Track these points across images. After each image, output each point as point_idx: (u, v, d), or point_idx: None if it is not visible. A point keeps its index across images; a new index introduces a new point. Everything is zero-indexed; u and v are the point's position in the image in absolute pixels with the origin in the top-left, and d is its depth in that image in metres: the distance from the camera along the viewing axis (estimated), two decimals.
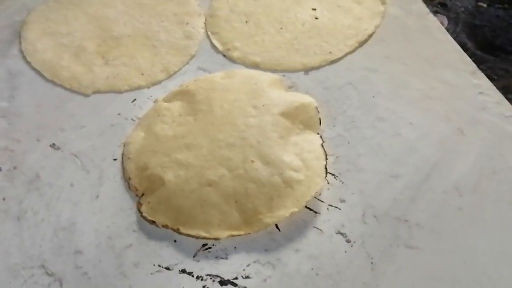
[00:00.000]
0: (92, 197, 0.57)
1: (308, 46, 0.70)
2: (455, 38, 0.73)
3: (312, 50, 0.69)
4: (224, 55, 0.71)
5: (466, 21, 0.80)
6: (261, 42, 0.71)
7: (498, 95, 0.63)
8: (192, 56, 0.71)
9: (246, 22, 0.74)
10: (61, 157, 0.61)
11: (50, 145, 0.62)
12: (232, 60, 0.70)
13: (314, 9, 0.75)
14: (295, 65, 0.68)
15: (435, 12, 0.79)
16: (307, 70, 0.68)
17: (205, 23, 0.75)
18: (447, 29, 0.76)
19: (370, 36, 0.71)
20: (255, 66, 0.69)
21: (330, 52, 0.69)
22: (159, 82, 0.68)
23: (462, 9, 0.82)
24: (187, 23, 0.75)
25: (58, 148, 0.62)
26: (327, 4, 0.75)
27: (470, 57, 0.69)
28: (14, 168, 0.60)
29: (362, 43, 0.70)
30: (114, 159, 0.60)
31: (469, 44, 0.76)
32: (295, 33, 0.72)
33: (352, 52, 0.70)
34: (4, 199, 0.57)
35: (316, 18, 0.73)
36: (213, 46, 0.72)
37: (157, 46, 0.72)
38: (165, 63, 0.70)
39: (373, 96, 0.65)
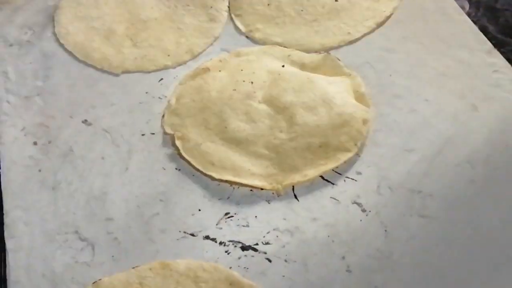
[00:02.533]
0: (122, 169, 0.61)
1: (327, 27, 0.72)
2: (476, 22, 0.74)
3: (331, 31, 0.72)
4: (247, 36, 0.74)
5: (488, 5, 0.80)
6: (282, 24, 0.74)
7: None
8: (216, 38, 0.74)
9: (268, 5, 0.76)
10: (92, 133, 0.65)
11: (83, 121, 0.66)
12: (254, 41, 0.73)
13: None
14: (314, 46, 0.70)
15: None
16: (326, 50, 0.70)
17: (228, 6, 0.78)
18: (469, 13, 0.77)
19: (388, 17, 0.73)
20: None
21: (349, 33, 0.71)
22: (185, 62, 0.71)
23: None
24: (211, 7, 0.77)
25: (90, 124, 0.65)
26: None
27: (491, 40, 0.70)
28: (49, 142, 0.64)
29: (380, 24, 0.72)
30: (142, 135, 0.64)
31: (490, 28, 0.77)
32: (315, 15, 0.74)
33: (370, 33, 0.72)
34: (40, 171, 0.61)
35: (336, 1, 0.75)
36: (236, 28, 0.75)
37: (182, 29, 0.75)
38: (190, 44, 0.73)
39: (390, 75, 0.67)
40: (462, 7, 0.77)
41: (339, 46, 0.70)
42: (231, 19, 0.76)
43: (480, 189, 0.55)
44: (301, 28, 0.73)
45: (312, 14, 0.74)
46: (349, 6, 0.74)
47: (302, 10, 0.75)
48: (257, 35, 0.73)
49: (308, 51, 0.70)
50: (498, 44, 0.70)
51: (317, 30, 0.72)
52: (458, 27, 0.71)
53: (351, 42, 0.71)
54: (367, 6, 0.74)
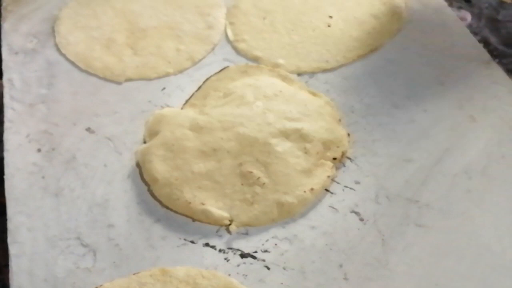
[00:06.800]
0: (124, 177, 0.62)
1: (309, 51, 0.73)
2: (478, 33, 0.75)
3: (311, 56, 0.72)
4: (232, 46, 0.75)
5: (489, 17, 0.81)
6: (268, 39, 0.75)
7: (510, 84, 0.66)
8: (215, 45, 0.75)
9: (264, 18, 0.77)
10: (95, 140, 0.65)
11: (86, 129, 0.67)
12: (237, 51, 0.75)
13: (331, 17, 0.77)
14: (290, 67, 0.71)
15: (459, 8, 0.81)
16: (300, 73, 0.71)
17: (226, 14, 0.79)
18: (471, 25, 0.78)
19: (372, 51, 0.72)
20: (256, 60, 0.73)
21: (327, 61, 0.71)
22: (185, 69, 0.73)
23: (486, 4, 0.84)
24: (208, 14, 0.79)
25: (93, 132, 0.66)
26: (345, 14, 0.77)
27: (493, 52, 0.71)
28: (53, 149, 0.65)
29: (361, 57, 0.72)
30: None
31: (492, 39, 0.78)
32: (303, 37, 0.75)
33: (348, 65, 0.71)
34: (43, 177, 0.62)
35: (328, 26, 0.75)
36: (227, 36, 0.77)
37: (182, 36, 0.76)
38: (190, 51, 0.74)
39: (390, 85, 0.68)
40: (464, 19, 0.78)
41: (313, 72, 0.71)
42: (225, 25, 0.78)
43: (476, 199, 0.56)
44: (285, 47, 0.74)
45: (300, 35, 0.75)
46: (339, 34, 0.75)
47: (292, 30, 0.76)
48: (241, 45, 0.75)
49: (287, 70, 0.71)
50: (499, 55, 0.71)
51: (298, 52, 0.73)
52: (458, 38, 0.72)
53: (325, 70, 0.71)
54: (357, 37, 0.74)
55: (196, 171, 0.59)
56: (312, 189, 0.57)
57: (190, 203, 0.57)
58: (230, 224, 0.56)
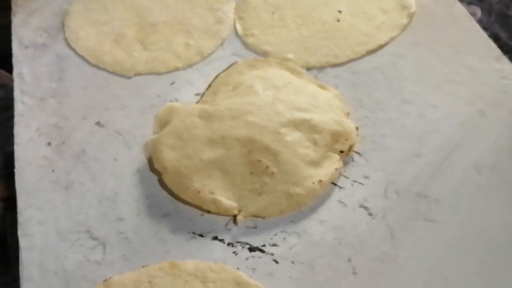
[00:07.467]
0: (133, 171, 0.62)
1: (318, 46, 0.73)
2: (488, 28, 0.75)
3: (320, 51, 0.72)
4: (241, 40, 0.76)
5: (499, 12, 0.81)
6: (278, 34, 0.75)
7: None
8: (224, 40, 0.76)
9: (273, 13, 0.78)
10: (105, 134, 0.66)
11: (96, 123, 0.67)
12: (246, 45, 0.75)
13: (340, 12, 0.77)
14: (299, 61, 0.71)
15: (469, 3, 0.81)
16: (309, 68, 0.71)
17: (235, 8, 0.80)
18: (480, 20, 0.78)
19: (382, 46, 0.72)
20: (265, 54, 0.73)
21: (335, 56, 0.71)
22: (195, 64, 0.73)
23: (496, 0, 0.83)
24: (217, 9, 0.80)
25: (103, 126, 0.67)
26: (354, 9, 0.77)
27: (503, 47, 0.71)
28: (63, 143, 0.65)
29: (370, 52, 0.72)
30: None
31: (502, 34, 0.77)
32: (312, 31, 0.75)
33: (357, 59, 0.71)
34: (53, 171, 0.62)
35: (337, 21, 0.75)
36: (236, 30, 0.77)
37: (191, 31, 0.77)
38: (199, 46, 0.75)
39: (399, 80, 0.68)
40: (474, 14, 0.78)
41: (322, 67, 0.71)
42: (234, 20, 0.78)
43: (486, 194, 0.56)
44: (294, 42, 0.74)
45: (309, 30, 0.75)
46: (348, 28, 0.74)
47: (302, 24, 0.76)
48: (250, 40, 0.75)
49: (297, 64, 0.71)
50: (510, 51, 0.71)
51: (307, 47, 0.73)
52: (468, 33, 0.72)
53: (334, 65, 0.71)
54: (366, 32, 0.74)
55: (205, 159, 0.59)
56: (320, 180, 0.57)
57: (199, 192, 0.57)
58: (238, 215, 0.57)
